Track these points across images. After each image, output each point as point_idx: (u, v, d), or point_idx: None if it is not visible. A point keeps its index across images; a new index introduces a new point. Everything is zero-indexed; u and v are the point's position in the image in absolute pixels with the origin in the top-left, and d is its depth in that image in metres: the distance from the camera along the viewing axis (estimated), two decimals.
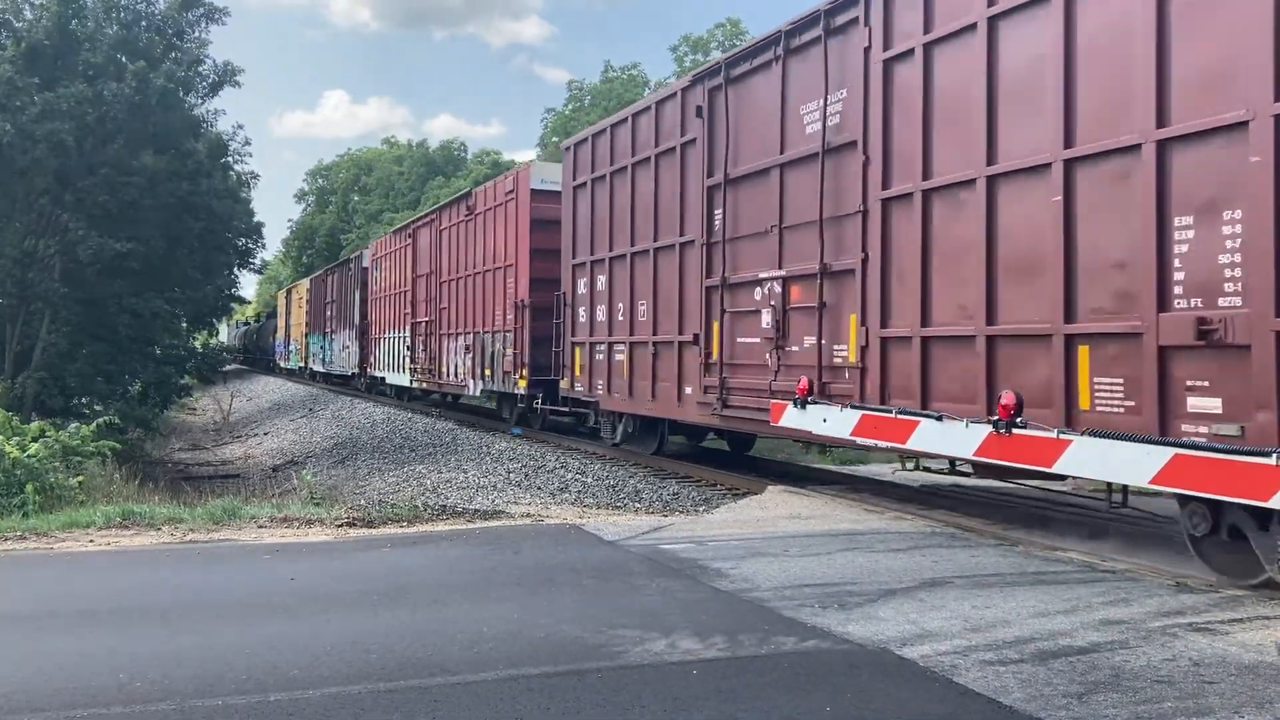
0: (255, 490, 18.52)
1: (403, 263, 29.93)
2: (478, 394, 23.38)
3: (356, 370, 37.23)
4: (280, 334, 61.28)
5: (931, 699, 4.89)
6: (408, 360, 29.05)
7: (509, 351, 20.65)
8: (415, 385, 28.67)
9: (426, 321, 27.05)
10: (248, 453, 30.70)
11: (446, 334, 25.23)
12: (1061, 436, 7.88)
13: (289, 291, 57.87)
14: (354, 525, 9.75)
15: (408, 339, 29.07)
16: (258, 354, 73.58)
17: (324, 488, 17.27)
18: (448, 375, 25.22)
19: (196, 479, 23.32)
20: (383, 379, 33.49)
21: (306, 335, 49.03)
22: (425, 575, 7.56)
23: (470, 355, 23.15)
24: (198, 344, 35.90)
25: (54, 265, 25.70)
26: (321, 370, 45.14)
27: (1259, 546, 6.92)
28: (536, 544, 8.78)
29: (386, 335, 32.16)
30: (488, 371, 22.08)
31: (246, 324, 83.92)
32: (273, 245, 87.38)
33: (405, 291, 29.40)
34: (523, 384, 20.05)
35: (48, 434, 13.22)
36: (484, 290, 22.34)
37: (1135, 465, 7.26)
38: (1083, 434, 7.76)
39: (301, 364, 50.82)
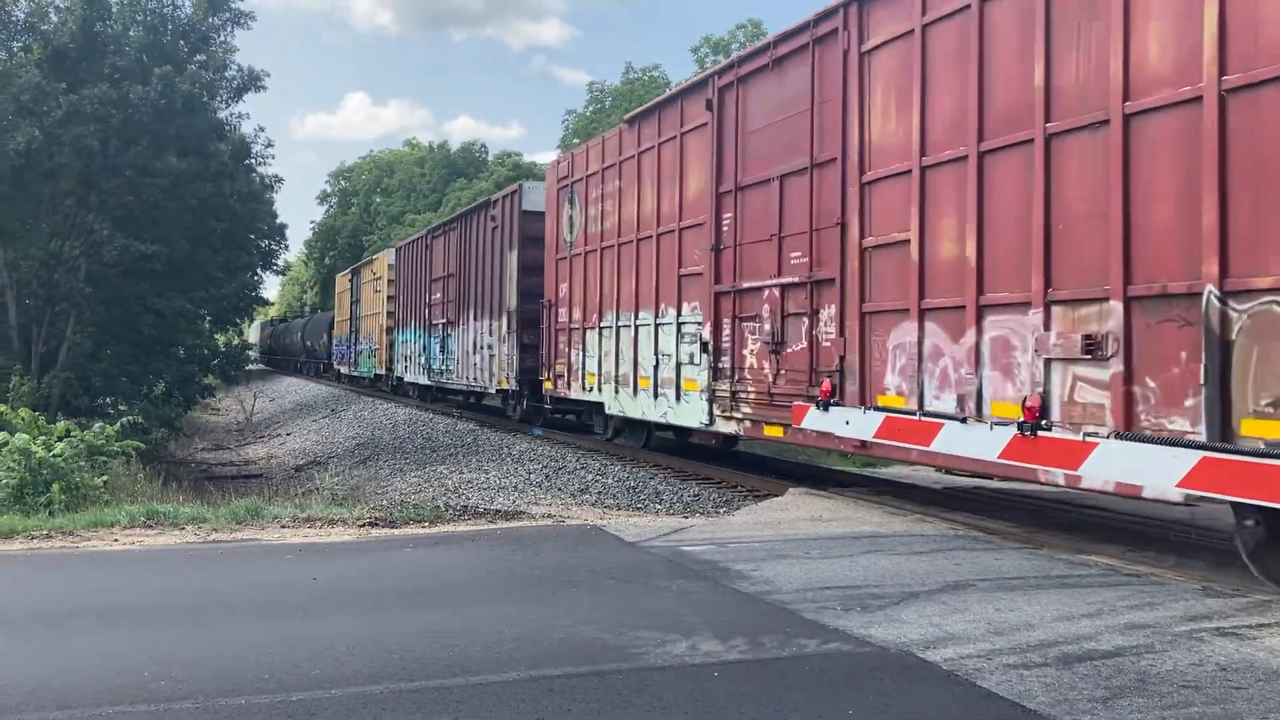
0: (278, 490, 18.57)
1: (663, 175, 15.25)
2: None
3: (514, 386, 22.10)
4: (344, 331, 45.75)
5: (955, 702, 4.86)
6: (703, 374, 13.91)
7: None
8: (736, 427, 13.36)
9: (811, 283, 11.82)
10: (270, 453, 30.86)
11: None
12: (1088, 439, 7.82)
13: (356, 272, 43.74)
14: (376, 525, 9.78)
15: (699, 329, 14.05)
16: (303, 355, 60.35)
17: (346, 488, 17.35)
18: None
19: (220, 479, 23.45)
20: (597, 408, 18.16)
21: (391, 331, 35.14)
22: (446, 575, 7.57)
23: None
24: (220, 343, 36.02)
25: (79, 266, 25.94)
26: (425, 382, 30.16)
27: None
28: (557, 545, 8.78)
29: (613, 322, 16.87)
30: None
31: (282, 321, 77.91)
32: (295, 246, 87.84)
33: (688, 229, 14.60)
34: None
35: (73, 434, 13.31)
36: None
37: (1162, 468, 7.18)
38: (1109, 436, 7.70)
39: (379, 370, 37.05)
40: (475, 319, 24.99)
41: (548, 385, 19.85)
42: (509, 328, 22.15)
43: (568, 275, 18.87)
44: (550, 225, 19.77)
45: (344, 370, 45.13)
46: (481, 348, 24.38)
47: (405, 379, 33.04)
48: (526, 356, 21.40)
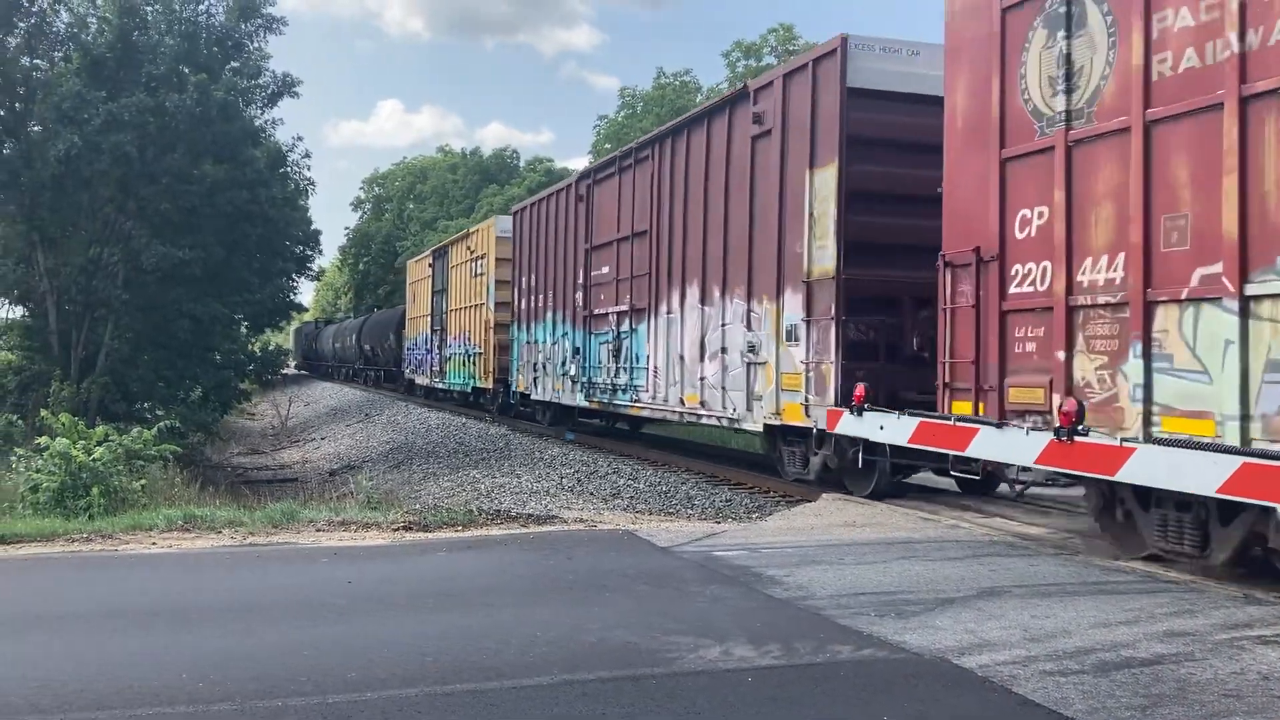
0: (313, 494, 18.75)
1: None
2: None
3: (817, 422, 12.20)
4: (419, 331, 35.53)
5: (990, 709, 4.82)
6: None
7: None
8: None
9: None
10: (305, 457, 31.10)
11: None
12: (1125, 444, 7.74)
13: (440, 254, 32.50)
14: (410, 529, 9.83)
15: None
16: (359, 362, 50.93)
17: (380, 492, 17.45)
18: None
19: (255, 483, 23.67)
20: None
21: (504, 329, 25.42)
22: (480, 579, 7.59)
23: None
24: (256, 348, 36.34)
25: (117, 272, 26.30)
26: (576, 402, 20.36)
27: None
28: (590, 549, 8.80)
29: None
30: None
31: (328, 323, 72.17)
32: (329, 252, 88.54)
33: None
34: None
35: (111, 438, 13.48)
36: None
37: (1201, 474, 7.09)
38: (1146, 441, 7.62)
39: (481, 382, 27.01)
40: (704, 301, 15.11)
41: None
42: (810, 312, 12.48)
43: (1058, 187, 8.79)
44: (974, 97, 9.82)
45: (421, 380, 35.07)
46: (724, 349, 14.44)
47: (535, 396, 22.81)
48: (856, 365, 11.94)
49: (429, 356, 33.47)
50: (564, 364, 20.75)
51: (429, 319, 33.59)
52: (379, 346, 45.55)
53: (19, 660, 5.47)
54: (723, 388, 14.55)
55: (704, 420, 15.67)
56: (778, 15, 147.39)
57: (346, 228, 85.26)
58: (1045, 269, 8.94)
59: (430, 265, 33.87)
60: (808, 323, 12.51)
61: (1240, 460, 6.79)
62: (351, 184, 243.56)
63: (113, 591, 7.24)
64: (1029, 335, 9.14)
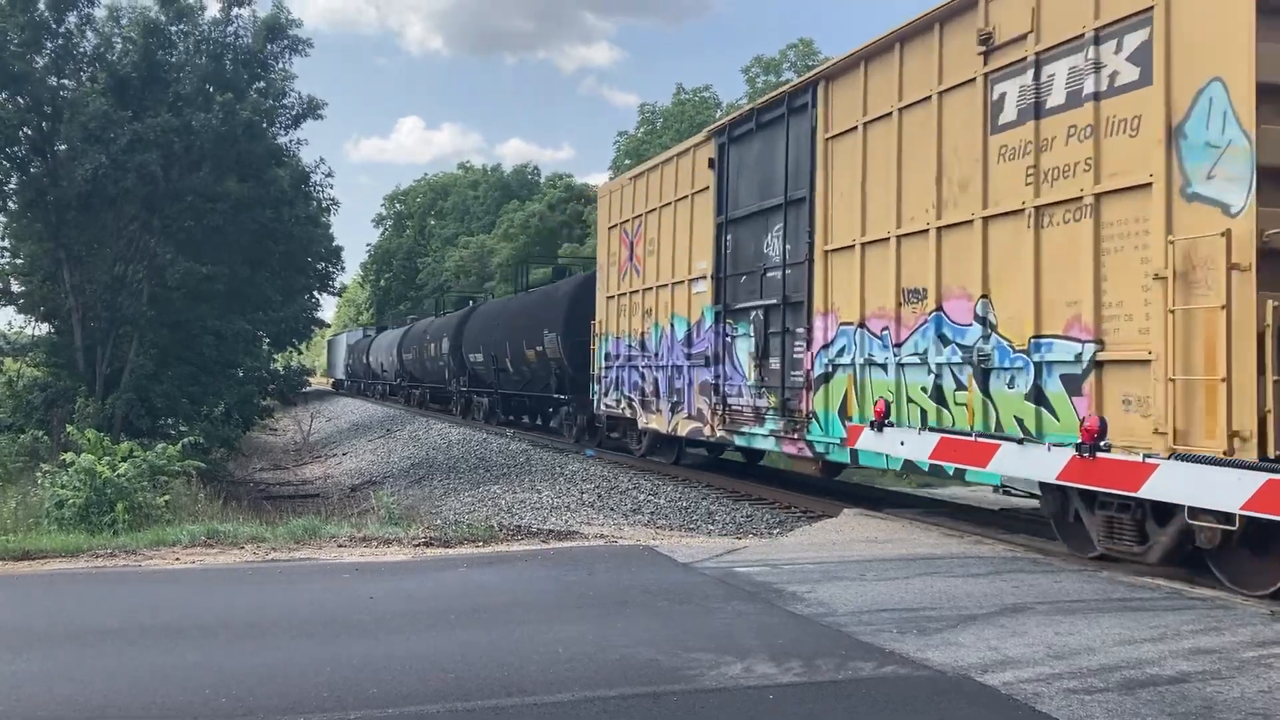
0: (335, 510, 18.83)
1: None
2: None
3: None
4: (668, 320, 16.24)
5: None
6: None
7: None
8: None
9: None
10: (327, 473, 31.23)
11: None
12: (1148, 460, 7.69)
13: (789, 111, 12.76)
14: (431, 545, 9.85)
15: None
16: (460, 377, 33.68)
17: (401, 507, 17.49)
18: None
19: (277, 498, 23.79)
20: None
21: None
22: (501, 595, 7.60)
23: None
24: (279, 364, 36.52)
25: (142, 290, 26.54)
26: None
27: None
28: (610, 565, 8.79)
29: None
30: None
31: (381, 329, 57.54)
32: (350, 269, 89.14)
33: None
34: None
35: (136, 454, 13.57)
36: None
37: (1226, 490, 7.05)
38: (1169, 458, 7.57)
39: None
40: None
41: None
42: None
43: None
44: None
45: (676, 425, 16.28)
46: None
47: None
48: None
49: (707, 374, 15.19)
50: None
51: (700, 287, 15.57)
52: (510, 357, 26.63)
53: (45, 675, 5.51)
54: None
55: None
56: (797, 31, 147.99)
57: (368, 244, 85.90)
58: None
59: (711, 161, 15.16)
60: None
61: (1266, 477, 6.77)
62: (372, 200, 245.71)
63: (137, 606, 7.27)
64: None
